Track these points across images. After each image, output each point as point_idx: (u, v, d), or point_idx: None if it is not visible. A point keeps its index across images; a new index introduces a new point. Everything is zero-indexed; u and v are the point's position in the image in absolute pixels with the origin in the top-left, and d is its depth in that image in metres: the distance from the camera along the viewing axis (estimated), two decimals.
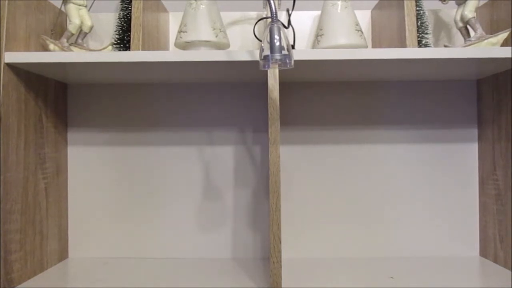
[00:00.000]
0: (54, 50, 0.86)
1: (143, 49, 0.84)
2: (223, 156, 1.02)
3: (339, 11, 0.88)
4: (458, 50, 0.77)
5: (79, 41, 0.91)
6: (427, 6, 0.94)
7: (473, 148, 1.01)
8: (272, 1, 0.67)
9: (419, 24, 0.85)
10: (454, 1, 0.90)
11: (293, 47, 0.90)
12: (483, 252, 0.99)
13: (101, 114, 1.02)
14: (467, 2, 0.85)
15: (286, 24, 0.74)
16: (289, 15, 0.85)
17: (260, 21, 0.98)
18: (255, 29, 0.98)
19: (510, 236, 0.89)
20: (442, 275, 0.86)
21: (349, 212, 1.02)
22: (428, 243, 1.01)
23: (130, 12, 0.85)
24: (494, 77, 0.94)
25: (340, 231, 1.01)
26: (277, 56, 0.65)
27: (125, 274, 0.89)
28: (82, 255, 1.01)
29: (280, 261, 0.75)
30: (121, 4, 0.88)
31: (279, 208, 0.75)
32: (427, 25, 0.86)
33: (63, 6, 0.89)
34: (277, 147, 0.75)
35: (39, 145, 0.89)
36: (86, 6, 0.90)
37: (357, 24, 0.89)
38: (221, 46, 0.88)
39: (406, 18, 0.81)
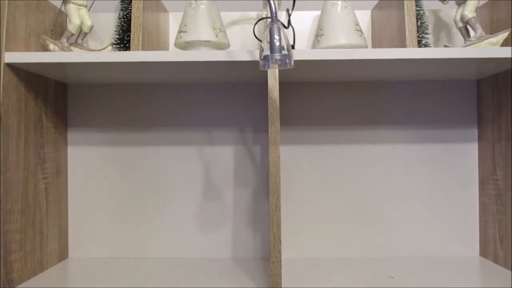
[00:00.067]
0: (54, 50, 0.86)
1: (143, 49, 0.84)
2: (223, 156, 1.02)
3: (339, 11, 0.88)
4: (458, 50, 0.77)
5: (79, 41, 0.91)
6: (427, 6, 0.94)
7: (473, 148, 1.01)
8: (272, 1, 0.67)
9: (419, 24, 0.85)
10: (454, 1, 0.90)
11: (293, 47, 0.90)
12: (483, 252, 0.99)
13: (101, 114, 1.02)
14: (467, 2, 0.85)
15: (286, 24, 0.74)
16: (289, 15, 0.85)
17: (260, 21, 0.98)
18: (255, 29, 0.98)
19: (510, 236, 0.89)
20: (442, 275, 0.86)
21: (349, 212, 1.02)
22: (428, 243, 1.01)
23: (130, 12, 0.85)
24: (494, 77, 0.94)
25: (340, 231, 1.01)
26: (277, 56, 0.65)
27: (125, 274, 0.89)
28: (82, 255, 1.01)
29: (280, 261, 0.75)
30: (121, 4, 0.88)
31: (279, 208, 0.75)
32: (427, 25, 0.86)
33: (63, 6, 0.89)
34: (277, 147, 0.75)
35: (39, 145, 0.89)
36: (86, 6, 0.90)
37: (357, 24, 0.89)
38: (221, 46, 0.88)
39: (406, 18, 0.81)
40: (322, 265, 0.94)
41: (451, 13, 1.01)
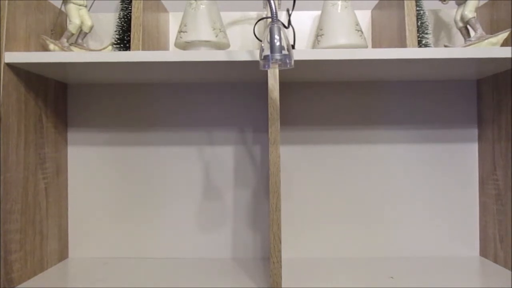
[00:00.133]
0: (54, 50, 0.86)
1: (143, 49, 0.84)
2: (223, 156, 1.02)
3: (339, 11, 0.88)
4: (458, 50, 0.77)
5: (79, 41, 0.91)
6: (427, 6, 0.94)
7: (473, 148, 1.01)
8: (272, 1, 0.67)
9: (419, 24, 0.85)
10: (454, 1, 0.90)
11: (293, 47, 0.90)
12: (483, 252, 0.99)
13: (101, 114, 1.02)
14: (467, 2, 0.85)
15: (286, 24, 0.74)
16: (289, 15, 0.85)
17: (260, 21, 0.98)
18: (255, 29, 0.98)
19: (510, 236, 0.89)
20: (442, 275, 0.86)
21: (349, 212, 1.02)
22: (428, 243, 1.01)
23: (130, 12, 0.85)
24: (494, 77, 0.94)
25: (340, 231, 1.01)
26: (277, 56, 0.65)
27: (125, 274, 0.89)
28: (82, 255, 1.01)
29: (280, 261, 0.75)
30: (121, 4, 0.88)
31: (279, 208, 0.75)
32: (427, 25, 0.86)
33: (63, 6, 0.89)
34: (277, 147, 0.75)
35: (39, 145, 0.89)
36: (86, 6, 0.90)
37: (357, 24, 0.89)
38: (221, 46, 0.88)
39: (406, 18, 0.80)
40: (322, 265, 0.94)
41: (451, 13, 1.01)
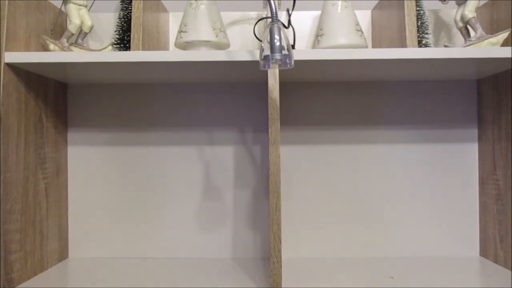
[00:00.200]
0: (54, 50, 0.86)
1: (143, 49, 0.84)
2: (223, 156, 1.02)
3: (339, 11, 0.88)
4: (458, 50, 0.77)
5: (79, 41, 0.91)
6: (427, 6, 0.94)
7: (473, 148, 1.01)
8: (272, 1, 0.67)
9: (419, 24, 0.85)
10: (454, 1, 0.90)
11: (293, 47, 0.90)
12: (483, 252, 0.99)
13: (101, 114, 1.02)
14: (467, 2, 0.85)
15: (286, 24, 0.74)
16: (289, 15, 0.85)
17: (260, 21, 0.98)
18: (255, 29, 0.98)
19: (510, 236, 0.89)
20: (442, 275, 0.86)
21: (349, 212, 1.02)
22: (428, 243, 1.01)
23: (130, 12, 0.85)
24: (494, 77, 0.94)
25: (340, 231, 1.01)
26: (277, 56, 0.65)
27: (125, 274, 0.89)
28: (82, 255, 1.01)
29: (280, 261, 0.75)
30: (121, 4, 0.88)
31: (279, 208, 0.75)
32: (427, 25, 0.86)
33: (63, 6, 0.89)
34: (277, 147, 0.75)
35: (39, 145, 0.89)
36: (86, 6, 0.90)
37: (357, 24, 0.89)
38: (221, 46, 0.88)
39: (406, 18, 0.80)
40: (322, 265, 0.94)
41: (451, 13, 1.01)
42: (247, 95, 1.02)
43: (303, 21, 1.03)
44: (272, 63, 0.66)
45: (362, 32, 0.89)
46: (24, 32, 0.82)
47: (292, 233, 1.01)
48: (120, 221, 1.02)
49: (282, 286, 0.80)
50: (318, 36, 0.90)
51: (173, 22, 1.03)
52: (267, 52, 0.66)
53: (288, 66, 0.67)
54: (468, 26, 0.87)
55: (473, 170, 1.01)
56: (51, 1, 0.92)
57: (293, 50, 0.75)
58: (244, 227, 1.02)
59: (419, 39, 0.85)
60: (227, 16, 1.02)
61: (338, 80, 1.01)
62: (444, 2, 0.90)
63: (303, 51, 0.77)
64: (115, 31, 0.87)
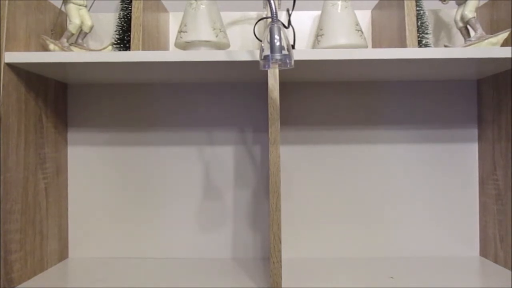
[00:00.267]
0: (54, 50, 0.86)
1: (143, 49, 0.84)
2: (223, 156, 1.02)
3: (339, 11, 0.88)
4: (458, 50, 0.77)
5: (79, 41, 0.91)
6: (427, 6, 0.94)
7: (473, 148, 1.01)
8: (272, 1, 0.67)
9: (419, 24, 0.85)
10: (454, 1, 0.90)
11: (293, 47, 0.90)
12: (483, 252, 0.99)
13: (101, 114, 1.02)
14: (467, 2, 0.85)
15: (286, 24, 0.74)
16: (289, 15, 0.85)
17: (260, 21, 0.98)
18: (255, 29, 0.98)
19: (510, 236, 0.89)
20: (442, 275, 0.86)
21: (349, 212, 1.02)
22: (428, 243, 1.01)
23: (130, 12, 0.85)
24: (494, 77, 0.94)
25: (340, 231, 1.01)
26: (277, 56, 0.65)
27: (125, 274, 0.89)
28: (82, 255, 1.01)
29: (280, 261, 0.75)
30: (121, 4, 0.88)
31: (279, 208, 0.75)
32: (427, 25, 0.86)
33: (63, 6, 0.89)
34: (277, 147, 0.75)
35: (39, 145, 0.89)
36: (86, 6, 0.90)
37: (357, 24, 0.89)
38: (221, 46, 0.88)
39: (406, 18, 0.80)
40: (322, 265, 0.94)
41: (451, 13, 1.01)
42: (247, 95, 1.02)
43: (303, 21, 1.03)
44: (272, 63, 0.66)
45: (362, 32, 0.89)
46: (24, 32, 0.82)
47: (292, 233, 1.01)
48: (120, 221, 1.02)
49: (282, 286, 0.80)
50: (318, 36, 0.90)
51: (173, 22, 1.03)
52: (267, 52, 0.66)
53: (288, 66, 0.67)
54: (468, 26, 0.87)
55: (473, 170, 1.01)
56: (51, 1, 0.92)
57: (293, 50, 0.75)
58: (244, 227, 1.02)
59: (419, 39, 0.85)
60: (227, 16, 1.02)
61: (338, 80, 1.01)
62: (444, 2, 0.90)
63: (303, 51, 0.77)
64: (115, 31, 0.87)
